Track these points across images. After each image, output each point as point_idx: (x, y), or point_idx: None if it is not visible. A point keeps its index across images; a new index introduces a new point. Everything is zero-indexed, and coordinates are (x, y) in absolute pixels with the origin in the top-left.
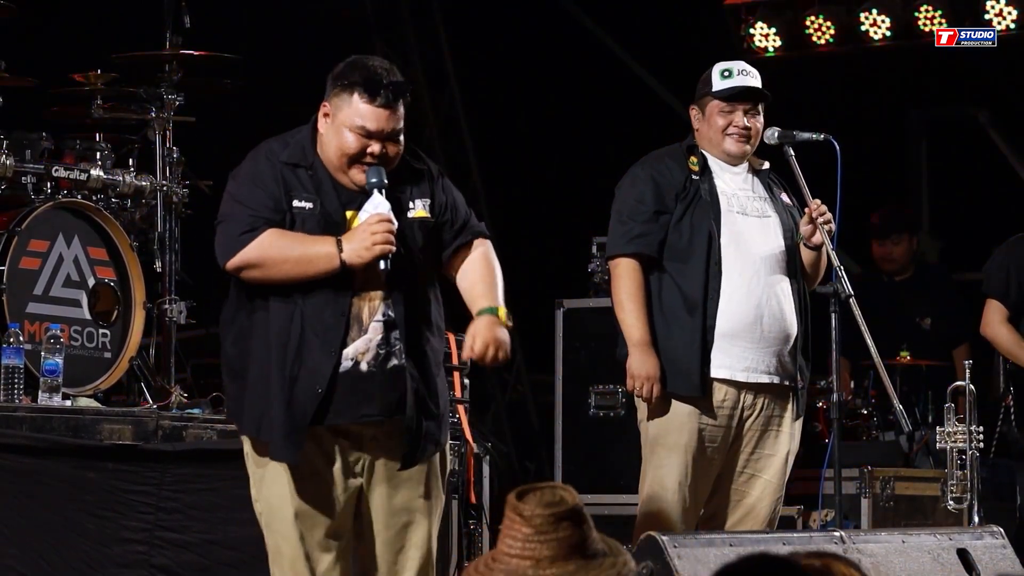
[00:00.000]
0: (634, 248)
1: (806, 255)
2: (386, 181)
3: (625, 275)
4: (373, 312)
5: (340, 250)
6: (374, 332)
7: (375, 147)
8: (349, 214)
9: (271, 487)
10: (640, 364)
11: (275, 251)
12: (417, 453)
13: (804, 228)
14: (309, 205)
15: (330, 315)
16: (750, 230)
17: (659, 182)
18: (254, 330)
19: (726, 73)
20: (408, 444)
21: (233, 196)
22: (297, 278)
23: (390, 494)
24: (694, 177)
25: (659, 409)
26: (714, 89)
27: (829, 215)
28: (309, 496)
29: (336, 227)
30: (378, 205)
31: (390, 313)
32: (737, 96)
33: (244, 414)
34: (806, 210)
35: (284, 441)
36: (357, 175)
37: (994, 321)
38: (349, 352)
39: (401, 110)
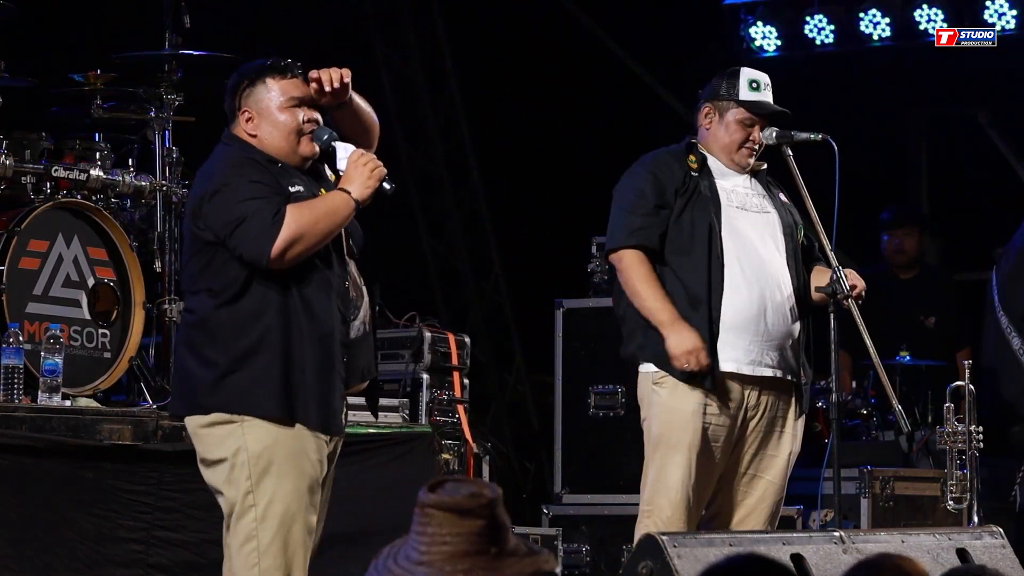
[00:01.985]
0: (636, 240)
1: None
2: (335, 133)
3: (633, 264)
4: (358, 276)
5: (348, 193)
6: (364, 294)
7: (310, 113)
8: (323, 192)
9: (283, 478)
10: (679, 342)
11: (306, 218)
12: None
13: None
14: (301, 188)
15: (339, 286)
16: (750, 225)
17: (659, 177)
18: (285, 314)
19: (754, 84)
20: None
21: (238, 199)
22: (328, 235)
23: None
24: (693, 174)
25: (663, 407)
26: (742, 98)
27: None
28: (312, 486)
29: None
30: (346, 148)
31: (360, 275)
32: (766, 114)
33: (262, 396)
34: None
35: (337, 414)
36: (306, 146)
37: None
38: (360, 316)
39: None
